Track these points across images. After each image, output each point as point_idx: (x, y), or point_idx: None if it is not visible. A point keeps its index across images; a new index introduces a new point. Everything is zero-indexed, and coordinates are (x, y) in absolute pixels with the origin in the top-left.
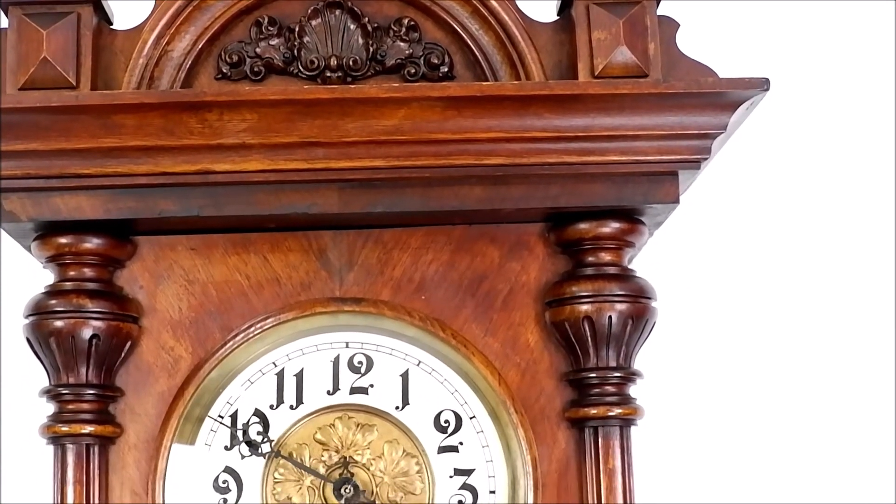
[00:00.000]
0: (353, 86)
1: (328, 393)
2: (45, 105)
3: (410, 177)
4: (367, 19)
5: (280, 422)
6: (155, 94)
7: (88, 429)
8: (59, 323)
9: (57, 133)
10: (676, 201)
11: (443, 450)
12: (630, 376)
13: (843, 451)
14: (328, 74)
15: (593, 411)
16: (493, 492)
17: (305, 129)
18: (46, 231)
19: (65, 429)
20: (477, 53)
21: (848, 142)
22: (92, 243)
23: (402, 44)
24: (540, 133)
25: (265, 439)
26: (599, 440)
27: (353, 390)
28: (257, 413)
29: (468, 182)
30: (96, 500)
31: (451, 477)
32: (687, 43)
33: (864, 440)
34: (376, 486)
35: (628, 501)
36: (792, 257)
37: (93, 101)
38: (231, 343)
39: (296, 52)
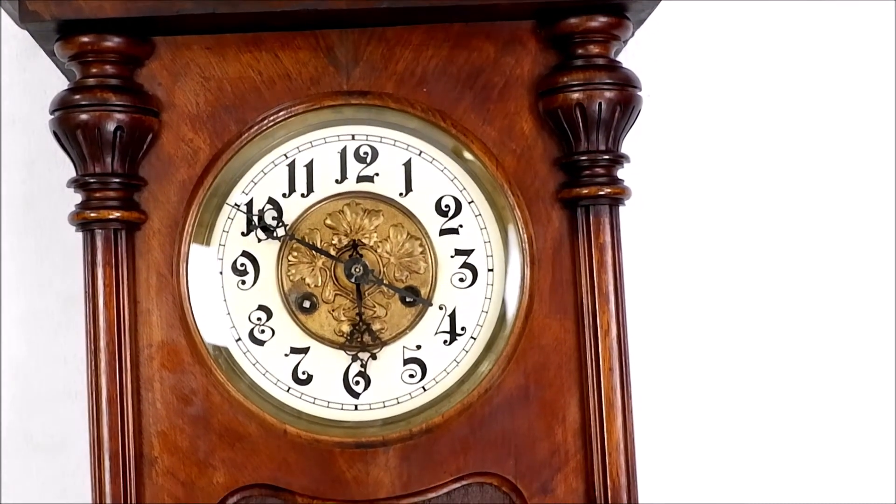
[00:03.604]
0: None
1: (336, 182)
2: None
3: None
4: None
5: (292, 209)
6: None
7: (115, 214)
8: (84, 116)
9: None
10: None
11: (444, 232)
12: (618, 159)
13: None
14: None
15: (584, 191)
16: (490, 269)
17: None
18: (69, 32)
19: (93, 215)
20: None
21: None
22: (112, 42)
23: None
24: None
25: (279, 224)
26: (591, 218)
27: (360, 179)
28: (271, 201)
29: None
30: (125, 281)
31: (452, 257)
32: None
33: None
34: (383, 267)
35: (618, 274)
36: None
37: None
38: (246, 135)
39: None
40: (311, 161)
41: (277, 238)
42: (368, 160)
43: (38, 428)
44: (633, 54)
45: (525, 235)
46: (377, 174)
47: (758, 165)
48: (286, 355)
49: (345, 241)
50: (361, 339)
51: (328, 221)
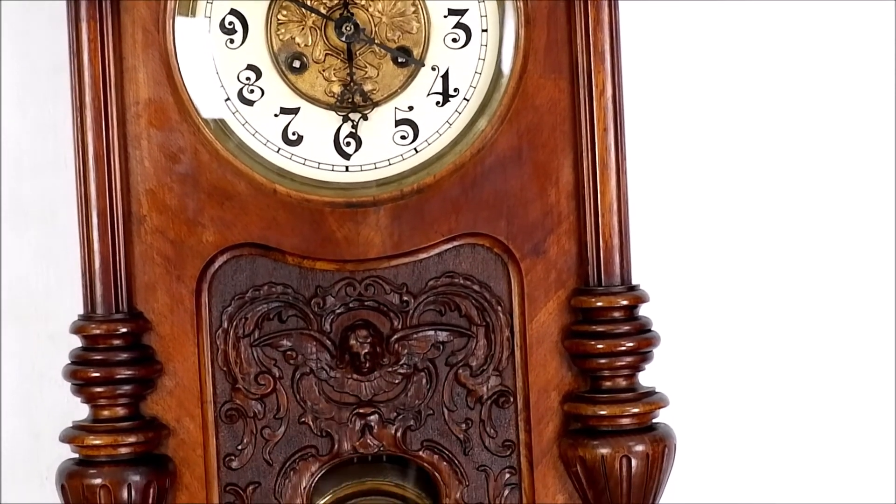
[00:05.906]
0: None
1: None
2: None
3: None
4: None
5: None
6: None
7: None
8: None
9: None
10: None
11: None
12: None
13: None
14: None
15: None
16: (485, 30)
17: None
18: None
19: None
20: None
21: None
22: None
23: None
24: None
25: None
26: None
27: None
28: None
29: None
30: (110, 37)
31: (445, 17)
32: None
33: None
34: (375, 26)
35: (614, 32)
36: None
37: None
38: None
39: None
40: None
41: None
42: None
43: (31, 198)
44: None
45: None
46: None
47: None
48: (276, 115)
49: (335, 0)
50: (352, 100)
51: None
